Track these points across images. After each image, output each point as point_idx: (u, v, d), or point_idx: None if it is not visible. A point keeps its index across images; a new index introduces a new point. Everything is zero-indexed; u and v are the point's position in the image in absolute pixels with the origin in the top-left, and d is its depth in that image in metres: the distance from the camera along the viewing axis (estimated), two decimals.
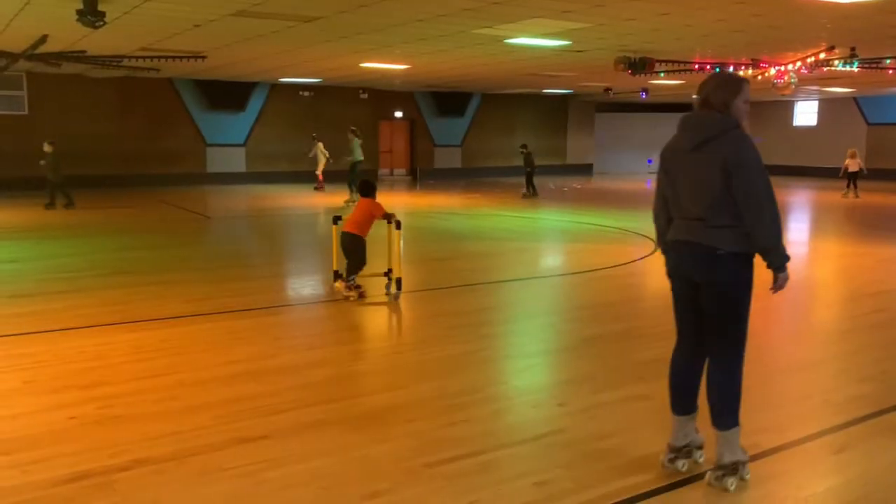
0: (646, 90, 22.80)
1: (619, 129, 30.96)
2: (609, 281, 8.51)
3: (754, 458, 3.70)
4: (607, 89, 23.41)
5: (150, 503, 3.23)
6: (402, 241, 7.41)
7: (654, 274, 9.32)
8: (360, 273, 7.36)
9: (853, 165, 19.38)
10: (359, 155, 17.57)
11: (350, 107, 24.47)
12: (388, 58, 15.45)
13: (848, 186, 19.56)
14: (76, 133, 20.16)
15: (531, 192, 19.08)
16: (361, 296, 7.24)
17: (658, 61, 14.26)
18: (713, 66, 15.01)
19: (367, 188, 7.45)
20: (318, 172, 20.59)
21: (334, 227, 7.52)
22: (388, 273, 7.41)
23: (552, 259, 10.82)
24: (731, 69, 15.11)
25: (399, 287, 7.22)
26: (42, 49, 12.51)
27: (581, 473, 3.52)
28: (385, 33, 11.91)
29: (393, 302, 7.18)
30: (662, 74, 16.58)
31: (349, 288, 7.25)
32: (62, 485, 3.37)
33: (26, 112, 19.84)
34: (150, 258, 9.89)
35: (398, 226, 7.15)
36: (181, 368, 5.10)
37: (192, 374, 4.99)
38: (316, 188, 20.52)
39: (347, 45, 13.30)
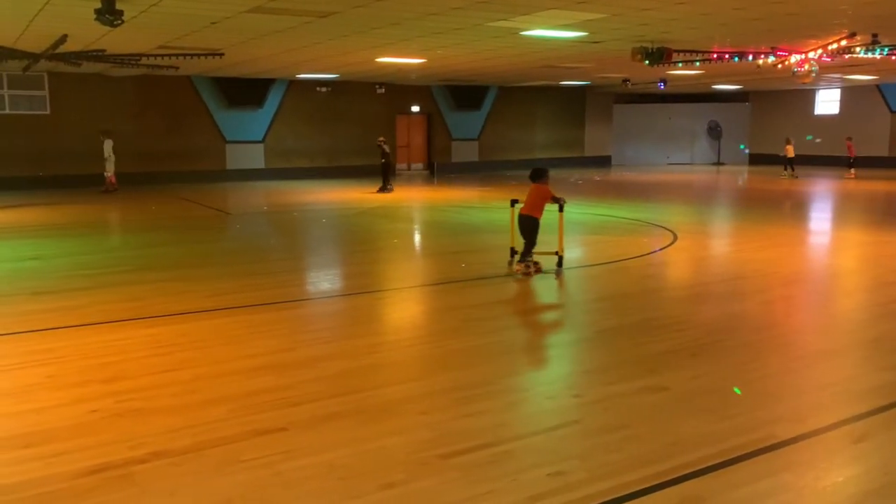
0: (664, 80, 22.61)
1: (637, 120, 30.76)
2: (626, 273, 8.46)
3: (772, 448, 3.68)
4: (625, 80, 23.25)
5: (168, 494, 3.28)
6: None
7: (672, 265, 9.27)
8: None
9: (790, 152, 23.46)
10: None
11: (367, 102, 24.51)
12: (404, 52, 15.45)
13: (785, 169, 23.42)
14: (96, 132, 20.40)
15: (388, 188, 18.87)
16: (538, 271, 8.04)
17: (675, 51, 14.12)
18: (732, 55, 14.84)
19: (539, 174, 8.15)
20: (110, 174, 19.02)
21: (511, 209, 8.41)
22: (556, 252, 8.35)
23: (569, 251, 10.75)
24: (750, 58, 14.93)
25: (560, 264, 8.31)
26: (62, 49, 12.64)
27: (595, 464, 3.52)
28: (400, 27, 11.91)
29: (556, 278, 8.05)
30: (680, 64, 16.42)
31: (527, 267, 8.03)
32: (83, 477, 3.43)
33: (48, 112, 20.08)
34: (171, 254, 9.99)
35: (561, 208, 8.15)
36: (199, 362, 5.15)
37: (211, 367, 5.04)
38: (105, 191, 18.91)
39: (363, 40, 13.32)
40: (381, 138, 19.45)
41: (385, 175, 18.87)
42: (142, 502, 3.22)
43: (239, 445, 3.76)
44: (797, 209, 15.56)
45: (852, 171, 23.76)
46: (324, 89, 23.73)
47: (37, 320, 6.29)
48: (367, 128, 24.94)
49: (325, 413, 4.18)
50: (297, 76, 21.78)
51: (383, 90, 24.41)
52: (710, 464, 3.50)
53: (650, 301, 7.13)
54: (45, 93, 19.97)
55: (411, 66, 18.34)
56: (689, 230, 11.80)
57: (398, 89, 24.95)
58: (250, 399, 4.40)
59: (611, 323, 6.31)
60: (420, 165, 27.08)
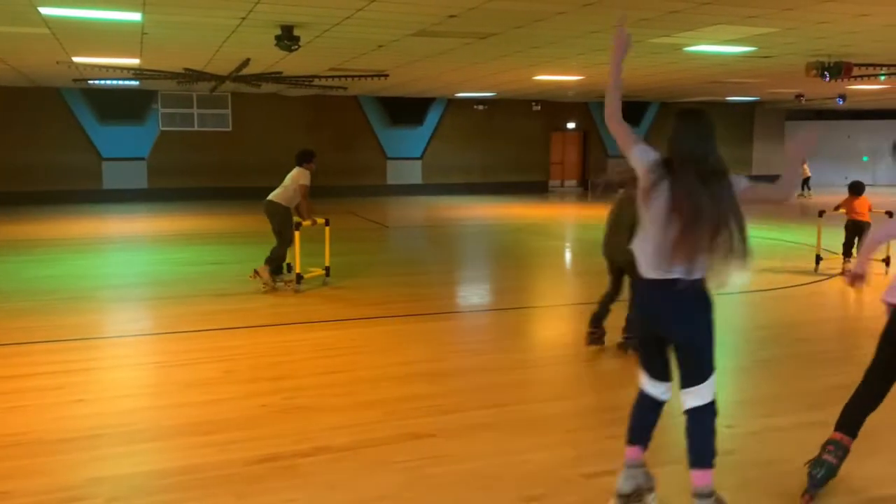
0: (843, 96, 21.10)
1: None
2: (792, 300, 8.01)
3: None
4: (798, 96, 21.92)
5: (328, 487, 3.53)
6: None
7: (841, 294, 8.65)
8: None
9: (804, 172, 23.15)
10: None
11: (522, 119, 24.71)
12: (562, 70, 15.49)
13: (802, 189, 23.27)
14: (271, 147, 21.95)
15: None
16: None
17: (856, 65, 13.17)
18: None
19: (861, 187, 9.33)
20: None
21: (819, 218, 9.55)
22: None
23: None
24: None
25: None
26: (245, 71, 13.80)
27: (748, 497, 3.41)
28: (559, 46, 11.98)
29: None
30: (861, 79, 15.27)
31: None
32: (254, 465, 3.76)
33: (230, 129, 21.91)
34: (336, 264, 10.57)
35: None
36: (358, 366, 5.47)
37: (368, 371, 5.33)
38: None
39: (522, 59, 13.50)
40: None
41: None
42: (304, 492, 3.49)
43: (392, 447, 3.97)
44: None
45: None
46: (481, 107, 24.23)
47: (216, 320, 6.93)
48: (522, 145, 25.13)
49: (473, 423, 4.31)
50: (456, 95, 22.39)
51: (539, 107, 24.53)
52: None
53: (818, 331, 6.72)
54: (228, 111, 21.79)
55: (569, 83, 18.34)
56: None
57: (555, 106, 24.97)
58: (403, 404, 4.62)
59: (772, 353, 6.01)
60: (574, 182, 26.91)
